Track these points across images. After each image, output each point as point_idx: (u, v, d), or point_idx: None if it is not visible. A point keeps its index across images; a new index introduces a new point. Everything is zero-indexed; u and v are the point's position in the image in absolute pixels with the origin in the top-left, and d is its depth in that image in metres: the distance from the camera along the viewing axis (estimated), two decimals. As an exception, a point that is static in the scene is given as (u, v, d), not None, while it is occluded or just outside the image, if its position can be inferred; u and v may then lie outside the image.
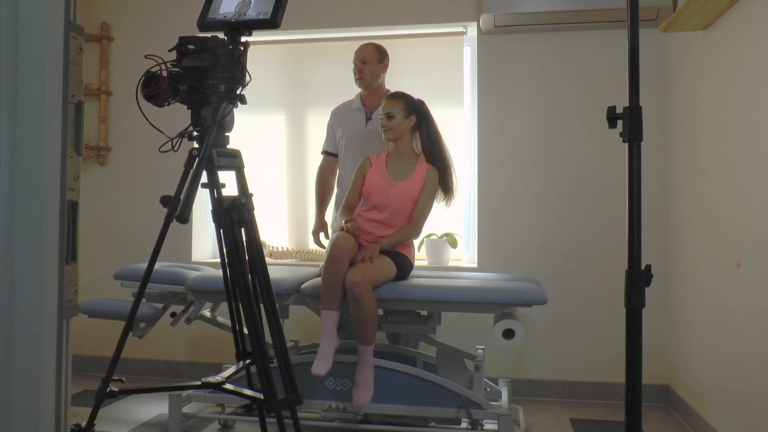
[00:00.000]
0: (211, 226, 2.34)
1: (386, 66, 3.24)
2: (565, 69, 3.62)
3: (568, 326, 3.56)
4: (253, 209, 2.02)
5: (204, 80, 1.93)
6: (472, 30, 3.76)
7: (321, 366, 2.57)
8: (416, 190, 2.84)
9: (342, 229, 2.76)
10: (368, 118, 3.19)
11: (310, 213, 3.79)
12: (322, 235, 3.28)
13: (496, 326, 2.65)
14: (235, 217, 1.96)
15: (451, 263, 3.73)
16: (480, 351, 2.91)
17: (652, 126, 3.43)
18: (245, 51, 1.99)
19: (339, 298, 2.62)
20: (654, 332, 3.39)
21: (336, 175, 3.32)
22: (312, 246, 3.95)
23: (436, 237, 3.68)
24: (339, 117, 3.28)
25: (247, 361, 2.23)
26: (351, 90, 3.29)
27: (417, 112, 2.88)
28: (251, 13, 1.97)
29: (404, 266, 2.82)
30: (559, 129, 3.62)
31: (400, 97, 2.89)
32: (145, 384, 3.73)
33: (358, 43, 3.22)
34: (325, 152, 3.34)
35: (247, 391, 2.06)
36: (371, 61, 3.14)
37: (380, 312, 2.88)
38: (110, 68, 4.09)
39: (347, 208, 2.95)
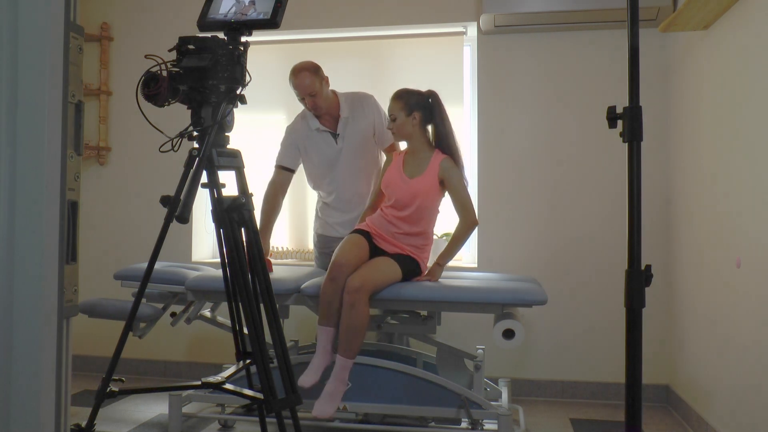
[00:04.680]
0: (211, 226, 2.33)
1: (327, 79, 3.09)
2: (565, 69, 3.62)
3: (568, 326, 3.56)
4: (253, 209, 2.02)
5: (204, 80, 1.93)
6: (472, 30, 3.76)
7: (308, 379, 2.59)
8: (429, 185, 2.78)
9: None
10: (335, 135, 3.09)
11: (310, 213, 3.79)
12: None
13: (496, 326, 2.65)
14: (235, 217, 1.96)
15: (451, 263, 3.72)
16: (480, 351, 2.91)
17: (652, 126, 3.42)
18: (245, 51, 1.99)
19: (336, 315, 2.62)
20: (654, 332, 3.39)
21: (285, 193, 3.16)
22: (312, 246, 3.94)
23: (436, 237, 3.67)
24: (306, 140, 3.13)
25: (247, 361, 2.23)
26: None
27: (421, 108, 2.80)
28: (251, 13, 1.97)
29: (411, 271, 2.78)
30: (559, 129, 3.62)
31: (401, 97, 2.81)
32: (145, 384, 3.73)
33: (359, 43, 3.18)
34: (282, 167, 3.15)
35: (247, 391, 2.05)
36: (317, 91, 2.99)
37: (381, 312, 2.88)
38: (110, 68, 4.09)
39: (370, 208, 3.00)
